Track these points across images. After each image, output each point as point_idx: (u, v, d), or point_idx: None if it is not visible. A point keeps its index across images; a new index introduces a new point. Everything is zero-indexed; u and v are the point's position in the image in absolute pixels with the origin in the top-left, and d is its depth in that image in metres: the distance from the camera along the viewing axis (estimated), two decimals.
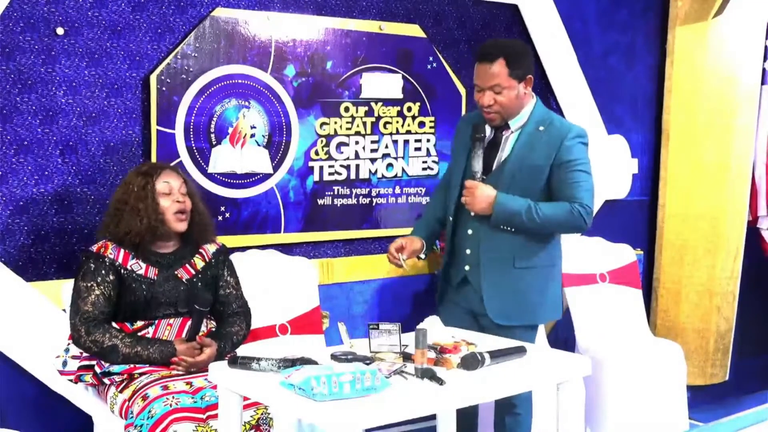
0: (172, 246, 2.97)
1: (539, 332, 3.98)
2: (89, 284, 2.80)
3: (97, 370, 2.79)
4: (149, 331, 2.84)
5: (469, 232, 3.07)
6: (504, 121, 3.02)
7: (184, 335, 2.86)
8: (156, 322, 2.85)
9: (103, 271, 2.82)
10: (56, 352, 2.90)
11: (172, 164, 3.19)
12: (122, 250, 2.87)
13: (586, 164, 3.05)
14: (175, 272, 2.92)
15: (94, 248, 2.88)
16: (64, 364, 2.85)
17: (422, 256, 3.20)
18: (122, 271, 2.85)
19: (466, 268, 3.08)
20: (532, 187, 2.99)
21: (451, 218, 3.11)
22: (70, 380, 2.87)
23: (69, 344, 2.86)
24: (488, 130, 3.08)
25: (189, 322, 2.87)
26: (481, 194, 2.94)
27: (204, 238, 3.03)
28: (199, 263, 2.99)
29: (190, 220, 2.97)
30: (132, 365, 2.77)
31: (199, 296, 2.88)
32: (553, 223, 3.00)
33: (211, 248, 3.05)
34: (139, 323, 2.85)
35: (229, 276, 3.06)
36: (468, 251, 3.07)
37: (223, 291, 3.02)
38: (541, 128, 3.02)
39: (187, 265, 2.96)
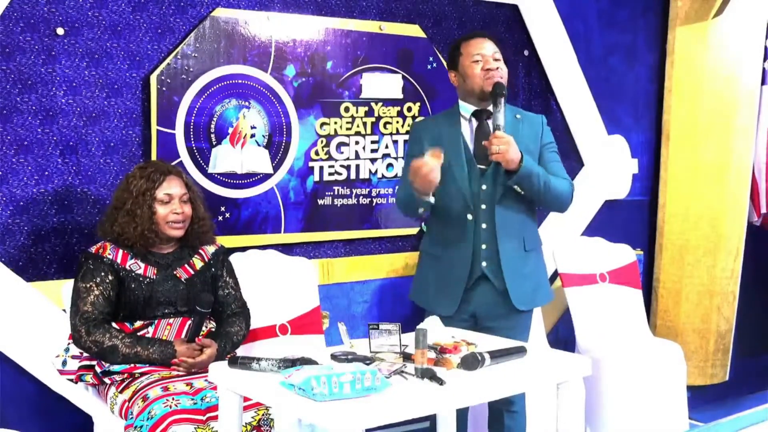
0: (171, 247, 2.97)
1: (539, 331, 3.99)
2: (88, 285, 2.81)
3: (98, 369, 2.80)
4: (149, 331, 2.84)
5: (484, 226, 3.05)
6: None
7: (184, 336, 2.86)
8: (156, 321, 2.86)
9: (102, 272, 2.82)
10: (56, 352, 2.90)
11: (175, 165, 3.16)
12: (121, 250, 2.87)
13: (557, 147, 3.21)
14: (174, 272, 2.92)
15: (93, 249, 2.88)
16: (64, 363, 2.85)
17: (432, 199, 2.94)
18: (121, 271, 2.85)
19: (483, 264, 3.06)
20: None
21: (470, 216, 3.04)
22: (70, 380, 2.87)
23: (69, 344, 2.86)
24: (474, 121, 3.09)
25: (189, 323, 2.88)
26: (515, 144, 2.94)
27: (203, 241, 3.03)
28: (198, 263, 2.99)
29: (189, 227, 2.96)
30: (132, 365, 2.77)
31: (201, 298, 2.88)
32: (557, 194, 3.07)
33: (210, 249, 3.05)
34: (139, 323, 2.85)
35: (228, 276, 3.06)
36: (484, 246, 3.05)
37: (222, 291, 3.03)
38: (518, 116, 3.13)
39: (186, 265, 2.96)
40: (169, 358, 2.78)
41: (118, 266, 2.85)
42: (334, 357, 2.47)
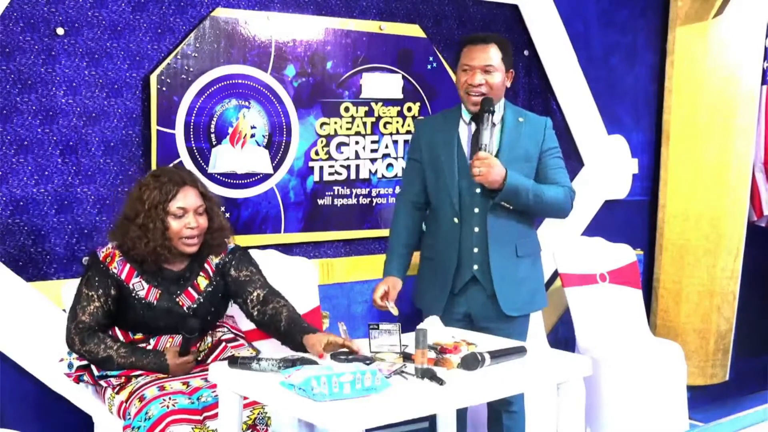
0: (182, 263, 2.84)
1: (539, 331, 3.99)
2: (90, 293, 2.74)
3: (95, 372, 2.79)
4: (150, 344, 2.80)
5: (476, 230, 3.06)
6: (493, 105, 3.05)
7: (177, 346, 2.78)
8: (157, 336, 2.81)
9: (105, 284, 2.74)
10: (57, 352, 2.89)
11: (191, 173, 2.93)
12: (128, 265, 2.77)
13: (560, 152, 3.18)
14: (177, 299, 2.81)
15: (102, 255, 2.78)
16: (70, 366, 2.83)
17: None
18: (123, 288, 2.76)
19: (475, 267, 3.06)
20: (527, 174, 3.04)
21: (456, 219, 3.07)
22: (73, 381, 2.86)
23: None
24: (473, 125, 3.09)
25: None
26: (497, 166, 2.94)
27: (210, 252, 2.87)
28: (203, 283, 2.86)
29: (205, 238, 2.82)
30: (132, 369, 2.75)
31: (187, 323, 2.76)
32: (551, 204, 3.05)
33: (214, 260, 2.90)
34: (140, 335, 2.81)
35: (239, 271, 2.88)
36: (476, 250, 3.06)
37: (235, 287, 2.87)
38: (521, 119, 3.11)
39: (189, 289, 2.83)
40: (164, 368, 2.72)
41: (122, 283, 2.76)
42: (334, 357, 2.47)
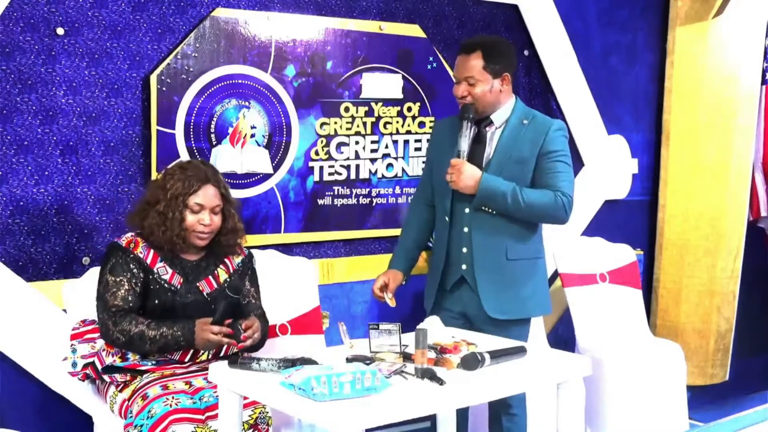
0: (197, 255, 2.90)
1: (539, 331, 3.99)
2: (118, 278, 2.76)
3: (98, 365, 2.79)
4: None
5: (465, 230, 3.08)
6: (477, 113, 3.07)
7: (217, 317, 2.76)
8: None
9: (133, 267, 2.78)
10: (58, 353, 2.89)
11: (216, 171, 2.97)
12: (152, 251, 2.82)
13: (568, 157, 3.11)
14: (198, 284, 2.86)
15: (124, 242, 2.82)
16: (74, 365, 2.83)
17: (404, 282, 3.24)
18: (150, 273, 2.80)
19: (463, 267, 3.09)
20: (520, 178, 3.03)
21: (447, 218, 3.11)
22: (80, 379, 2.86)
23: (73, 344, 2.85)
24: (472, 128, 3.09)
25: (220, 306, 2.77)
26: (467, 171, 2.96)
27: (228, 252, 2.95)
28: (222, 275, 2.92)
29: (217, 237, 2.88)
30: (137, 363, 2.76)
31: (217, 303, 2.77)
32: (536, 208, 3.00)
33: (236, 259, 2.98)
34: None
35: (250, 285, 2.99)
36: (464, 249, 3.08)
37: (242, 300, 2.94)
38: (525, 122, 3.10)
39: (210, 277, 2.89)
40: (190, 331, 2.71)
41: (147, 267, 2.80)
42: (349, 361, 2.44)
